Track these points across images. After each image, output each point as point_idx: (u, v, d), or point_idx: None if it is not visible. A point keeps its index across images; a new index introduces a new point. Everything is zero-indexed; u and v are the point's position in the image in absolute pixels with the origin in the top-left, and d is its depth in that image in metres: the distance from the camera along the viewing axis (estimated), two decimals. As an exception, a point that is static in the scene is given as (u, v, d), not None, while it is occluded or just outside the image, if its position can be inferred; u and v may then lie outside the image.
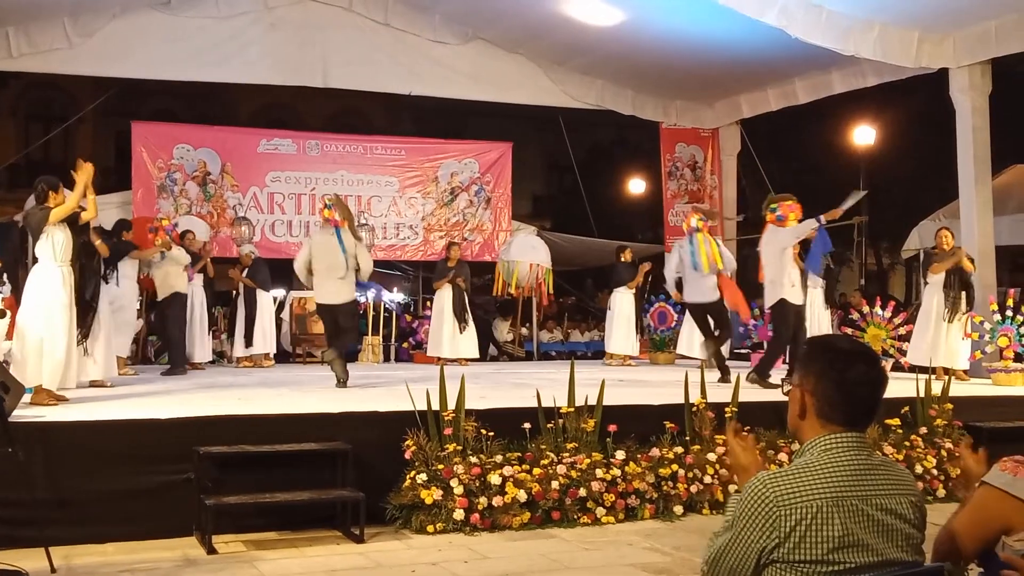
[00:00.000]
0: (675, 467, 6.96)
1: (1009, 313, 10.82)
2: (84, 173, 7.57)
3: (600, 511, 6.63)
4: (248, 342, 12.72)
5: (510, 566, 5.59)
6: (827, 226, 10.37)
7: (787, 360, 10.14)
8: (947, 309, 10.89)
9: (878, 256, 26.72)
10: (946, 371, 10.69)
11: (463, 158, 16.50)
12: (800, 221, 9.72)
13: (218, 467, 6.15)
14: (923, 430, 7.93)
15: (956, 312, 10.84)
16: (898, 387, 7.86)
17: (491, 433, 6.68)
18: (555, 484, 6.54)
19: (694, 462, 7.02)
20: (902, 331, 11.75)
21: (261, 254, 13.40)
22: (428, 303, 16.84)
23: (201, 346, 12.12)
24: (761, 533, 2.48)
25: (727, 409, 7.31)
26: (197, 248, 12.49)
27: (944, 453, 7.79)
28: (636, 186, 24.83)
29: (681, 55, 14.23)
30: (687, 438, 7.19)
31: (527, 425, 6.82)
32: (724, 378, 9.80)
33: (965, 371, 11.02)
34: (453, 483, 6.32)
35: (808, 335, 9.32)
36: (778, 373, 9.73)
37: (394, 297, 17.87)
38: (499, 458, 6.58)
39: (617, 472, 6.74)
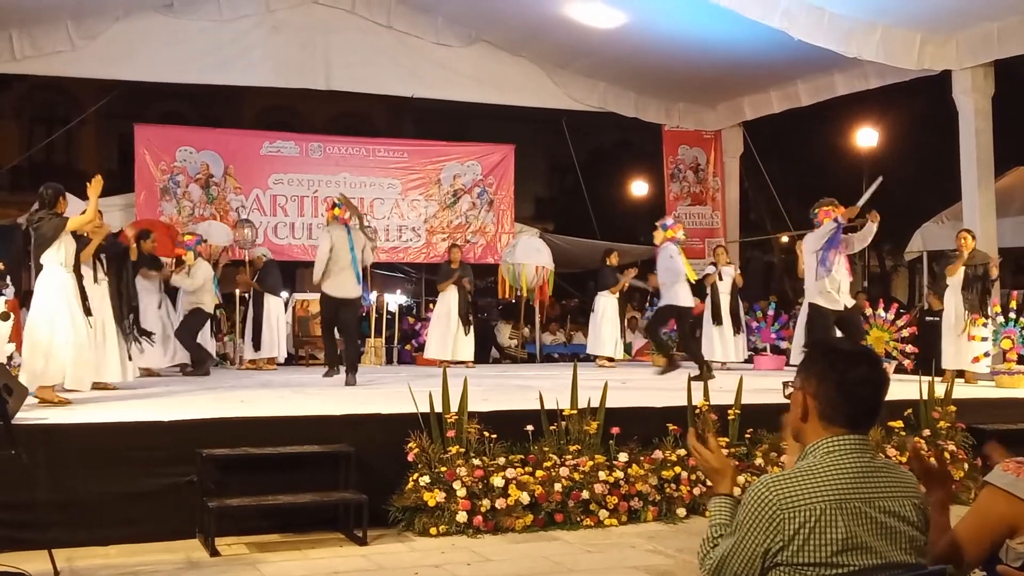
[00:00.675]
0: (678, 469, 6.96)
1: (1012, 315, 10.79)
2: (97, 185, 7.62)
3: (603, 513, 6.62)
4: (256, 345, 12.74)
5: (513, 568, 5.59)
6: (848, 224, 10.26)
7: None
8: (966, 311, 10.87)
9: (881, 258, 26.70)
10: (959, 374, 10.70)
11: (466, 160, 16.50)
12: None
13: (221, 469, 6.15)
14: (926, 432, 7.91)
15: (974, 314, 10.81)
16: (901, 389, 7.85)
17: (494, 435, 6.67)
18: (558, 486, 6.53)
19: (696, 466, 7.01)
20: (904, 333, 11.74)
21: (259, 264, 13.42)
22: (431, 305, 16.85)
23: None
24: (765, 536, 2.48)
25: (730, 411, 7.31)
26: (210, 255, 12.53)
27: (947, 455, 7.77)
28: (638, 188, 24.84)
29: (683, 57, 14.24)
30: (688, 446, 7.17)
31: (530, 427, 6.82)
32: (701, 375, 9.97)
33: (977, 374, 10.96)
34: (456, 485, 6.31)
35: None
36: (780, 376, 9.70)
37: (396, 299, 17.84)
38: (502, 460, 6.57)
39: (620, 474, 6.74)
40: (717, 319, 13.29)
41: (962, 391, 9.12)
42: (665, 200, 17.62)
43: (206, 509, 5.87)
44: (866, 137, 19.14)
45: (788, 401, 2.73)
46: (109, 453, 6.04)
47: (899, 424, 7.81)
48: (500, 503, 6.35)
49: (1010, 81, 13.49)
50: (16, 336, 8.06)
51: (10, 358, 8.12)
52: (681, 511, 6.87)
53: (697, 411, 7.24)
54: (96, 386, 8.49)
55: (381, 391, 9.11)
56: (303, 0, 14.60)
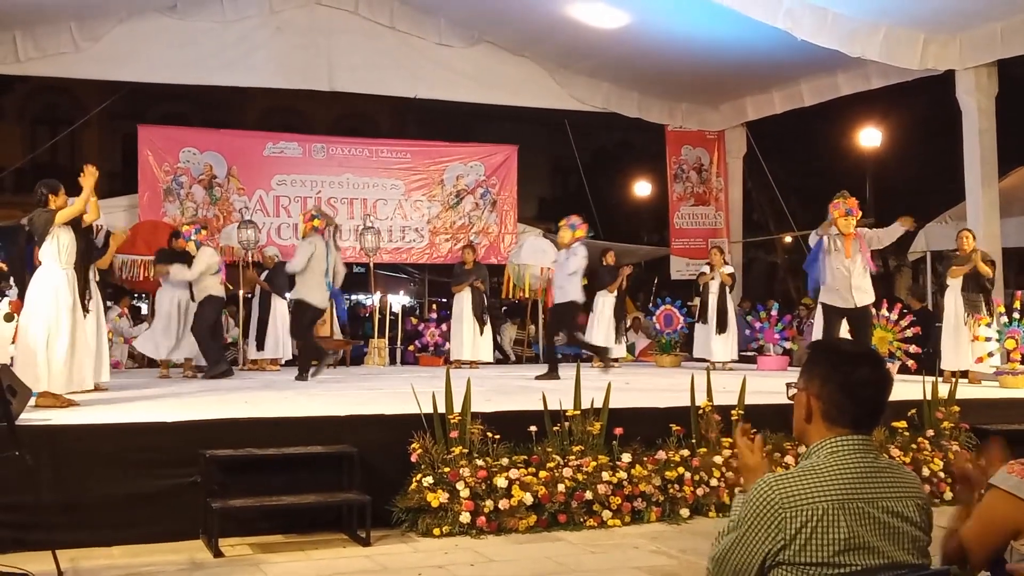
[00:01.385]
0: (681, 470, 6.95)
1: (1016, 315, 10.78)
2: (90, 177, 7.58)
3: (606, 514, 6.62)
4: (260, 345, 12.76)
5: (516, 569, 5.59)
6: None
7: None
8: (966, 312, 10.86)
9: (884, 258, 26.66)
10: (963, 374, 10.69)
11: (469, 161, 16.50)
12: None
13: (224, 470, 6.15)
14: (930, 433, 7.90)
15: (976, 314, 10.81)
16: (905, 390, 7.83)
17: (497, 436, 6.67)
18: (561, 487, 6.53)
19: (700, 465, 7.00)
20: (908, 333, 11.72)
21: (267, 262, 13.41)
22: (434, 306, 16.87)
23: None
24: (767, 535, 2.48)
25: (733, 412, 7.30)
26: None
27: (951, 456, 7.77)
28: (642, 189, 24.83)
29: (686, 57, 14.24)
30: (693, 441, 7.18)
31: (533, 428, 6.81)
32: (606, 365, 10.35)
33: (980, 374, 10.96)
34: (459, 486, 6.31)
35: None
36: (784, 377, 9.70)
37: (400, 300, 17.86)
38: (505, 461, 6.57)
39: (623, 475, 6.73)
40: (702, 317, 13.30)
41: (966, 391, 9.11)
42: (668, 200, 17.62)
43: (210, 510, 5.87)
44: (869, 137, 19.12)
45: (791, 402, 2.73)
46: (113, 454, 6.05)
47: (903, 424, 7.80)
48: (503, 504, 6.35)
49: (1013, 81, 13.48)
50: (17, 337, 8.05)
51: (13, 359, 8.12)
52: (684, 512, 6.87)
53: (700, 412, 7.24)
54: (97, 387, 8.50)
55: (384, 392, 9.12)
56: (306, 1, 14.62)
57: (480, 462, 6.48)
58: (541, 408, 6.91)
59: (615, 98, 16.31)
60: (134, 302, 16.23)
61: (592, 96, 16.14)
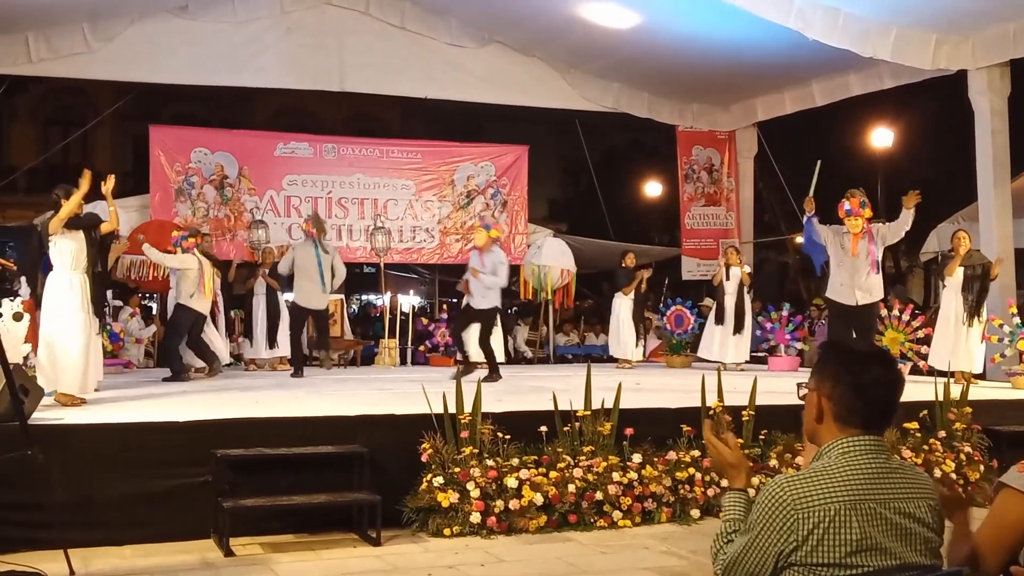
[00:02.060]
0: (692, 470, 6.94)
1: (1030, 317, 10.74)
2: (84, 182, 7.59)
3: (617, 514, 6.62)
4: (271, 343, 12.80)
5: (526, 569, 5.59)
6: (813, 216, 10.37)
7: None
8: (965, 312, 10.82)
9: (896, 258, 26.57)
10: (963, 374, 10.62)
11: (479, 161, 16.51)
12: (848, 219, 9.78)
13: (235, 470, 6.16)
14: (942, 434, 7.87)
15: (975, 315, 10.76)
16: (916, 391, 7.81)
17: (508, 436, 6.67)
18: (571, 487, 6.52)
19: (711, 466, 7.00)
20: (920, 334, 11.68)
21: (276, 257, 13.42)
22: (444, 306, 16.87)
23: (219, 349, 12.12)
24: (779, 536, 2.47)
25: (744, 412, 7.29)
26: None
27: (963, 457, 7.74)
28: (652, 189, 24.80)
29: (697, 58, 14.22)
30: (703, 441, 7.16)
31: (544, 428, 6.81)
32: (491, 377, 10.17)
33: (976, 375, 10.89)
34: (470, 486, 6.31)
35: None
36: (795, 377, 9.67)
37: (410, 300, 17.88)
38: (515, 461, 6.57)
39: (634, 475, 6.73)
40: (720, 319, 13.24)
41: (978, 392, 9.07)
42: (679, 201, 17.59)
43: (221, 509, 5.89)
44: (881, 137, 19.06)
45: (802, 402, 2.72)
46: (124, 453, 6.07)
47: (914, 425, 7.77)
48: (514, 504, 6.35)
49: (1026, 81, 13.42)
50: (32, 336, 8.08)
51: (26, 358, 8.15)
52: (695, 512, 6.86)
53: (711, 412, 7.22)
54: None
55: (395, 392, 9.12)
56: (317, 2, 14.64)
57: (490, 462, 6.48)
58: (551, 408, 6.91)
59: (626, 98, 16.29)
60: (144, 302, 16.24)
61: (603, 96, 16.12)
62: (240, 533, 5.98)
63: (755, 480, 6.51)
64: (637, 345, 13.82)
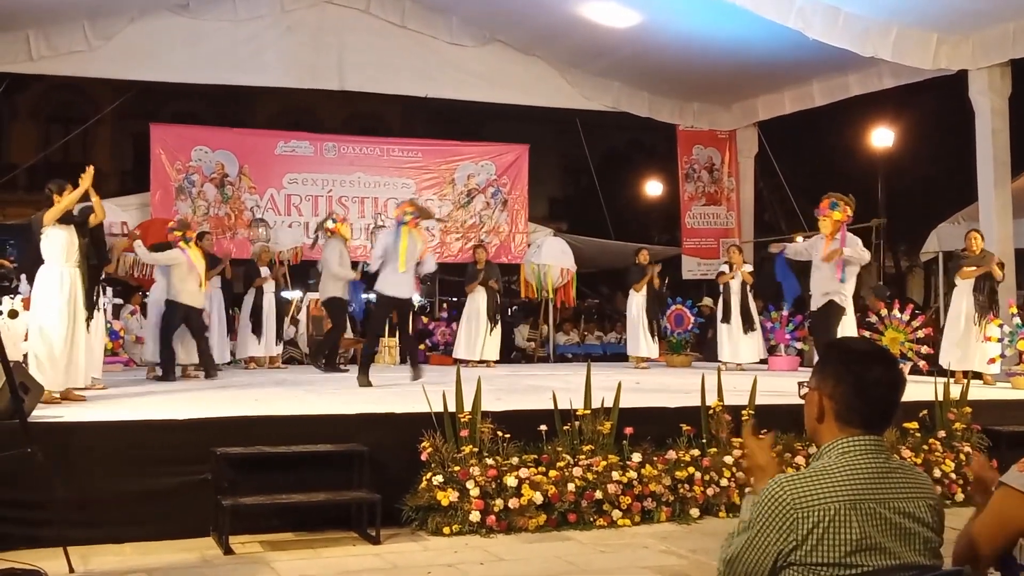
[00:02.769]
0: (691, 470, 6.94)
1: (1030, 316, 10.74)
2: (87, 177, 7.60)
3: (616, 514, 6.62)
4: (279, 337, 12.87)
5: (526, 568, 5.59)
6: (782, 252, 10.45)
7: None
8: (976, 313, 10.82)
9: (896, 259, 26.59)
10: (976, 375, 10.63)
11: (480, 160, 16.51)
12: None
13: (235, 468, 6.17)
14: (941, 434, 7.88)
15: (986, 316, 10.77)
16: (916, 390, 7.80)
17: (507, 435, 6.67)
18: (571, 486, 6.52)
19: (711, 465, 7.00)
20: (920, 334, 11.68)
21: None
22: (444, 304, 16.87)
23: (218, 347, 12.13)
24: (778, 536, 2.47)
25: (744, 412, 7.28)
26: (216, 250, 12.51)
27: (963, 457, 7.74)
28: (653, 188, 24.80)
29: (698, 57, 14.22)
30: (703, 441, 7.17)
31: (543, 427, 6.81)
32: (416, 375, 9.65)
33: (993, 375, 10.91)
34: (469, 485, 6.32)
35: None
36: (795, 377, 9.68)
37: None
38: (515, 460, 6.57)
39: (633, 475, 6.73)
40: (726, 318, 13.25)
41: (978, 392, 9.07)
42: (679, 200, 17.59)
43: (220, 507, 5.89)
44: (881, 137, 19.05)
45: (803, 401, 2.71)
46: (124, 451, 6.07)
47: (914, 425, 7.78)
48: (513, 503, 6.35)
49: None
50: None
51: (26, 356, 8.15)
52: (694, 512, 6.86)
53: (711, 412, 7.23)
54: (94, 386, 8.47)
55: (395, 390, 9.12)
56: (317, 0, 14.64)
57: (490, 461, 6.49)
58: (551, 407, 6.91)
59: (626, 98, 16.29)
60: (145, 300, 16.23)
61: (603, 96, 16.13)
62: (240, 531, 5.98)
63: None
64: (651, 342, 13.75)
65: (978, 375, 10.81)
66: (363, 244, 15.36)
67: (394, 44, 14.91)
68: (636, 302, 13.77)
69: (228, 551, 5.72)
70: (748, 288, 13.25)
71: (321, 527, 6.26)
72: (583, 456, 6.73)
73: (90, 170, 7.68)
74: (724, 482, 6.98)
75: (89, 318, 7.82)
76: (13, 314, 8.21)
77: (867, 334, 11.64)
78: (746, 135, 17.27)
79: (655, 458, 6.92)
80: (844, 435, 2.57)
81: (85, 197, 7.81)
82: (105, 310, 10.30)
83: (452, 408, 6.66)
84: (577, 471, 6.61)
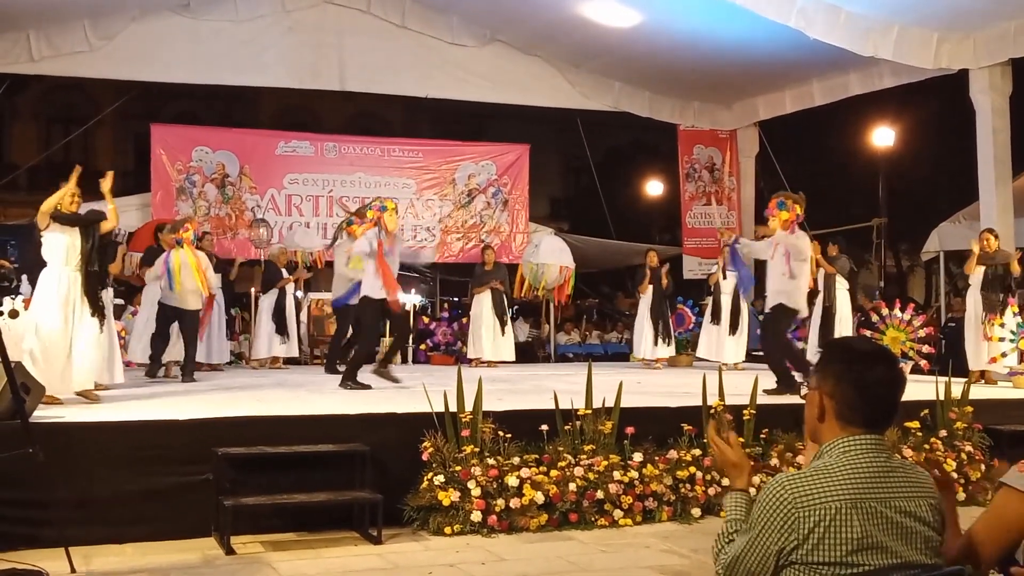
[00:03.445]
0: (693, 469, 6.94)
1: (1030, 316, 10.74)
2: (72, 177, 7.58)
3: (617, 513, 6.62)
4: (283, 335, 12.89)
5: (527, 568, 5.59)
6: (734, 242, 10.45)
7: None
8: (985, 311, 10.83)
9: (897, 258, 26.59)
10: (981, 374, 10.66)
11: (480, 160, 16.51)
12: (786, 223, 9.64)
13: (236, 468, 6.17)
14: (943, 433, 7.88)
15: (991, 314, 10.78)
16: (918, 390, 7.80)
17: (508, 435, 6.67)
18: (572, 486, 6.53)
19: (712, 465, 7.00)
20: (921, 333, 11.67)
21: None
22: (445, 304, 16.87)
23: (219, 347, 12.15)
24: (780, 534, 2.47)
25: (745, 411, 7.29)
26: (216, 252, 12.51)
27: (964, 456, 7.74)
28: (654, 188, 24.78)
29: (698, 57, 14.22)
30: (705, 440, 7.16)
31: (544, 427, 6.81)
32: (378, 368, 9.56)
33: (989, 374, 10.93)
34: (470, 485, 6.32)
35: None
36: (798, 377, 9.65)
37: (411, 299, 17.89)
38: (516, 460, 6.57)
39: (635, 474, 6.73)
40: (716, 318, 13.25)
41: (979, 392, 9.07)
42: (680, 200, 17.59)
43: (222, 508, 5.89)
44: (882, 136, 19.03)
45: (804, 400, 2.71)
46: (125, 451, 6.07)
47: (915, 425, 7.77)
48: (514, 503, 6.35)
49: (1028, 80, 13.41)
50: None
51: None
52: (696, 511, 6.86)
53: (713, 412, 7.22)
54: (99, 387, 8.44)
55: (396, 390, 9.12)
56: (318, 0, 14.64)
57: (491, 461, 6.48)
58: (553, 407, 6.91)
59: (627, 97, 16.29)
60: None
61: (604, 95, 16.13)
62: (241, 531, 5.98)
63: (756, 479, 6.51)
64: (660, 343, 13.70)
65: (982, 374, 10.82)
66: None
67: (395, 44, 14.91)
68: (642, 303, 13.80)
69: (230, 551, 5.73)
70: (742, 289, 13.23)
71: (323, 527, 6.26)
72: (584, 456, 6.73)
73: (77, 169, 7.63)
74: (725, 482, 6.97)
75: (102, 321, 7.77)
76: (14, 314, 8.20)
77: (868, 333, 11.66)
78: (747, 135, 17.26)
79: (656, 458, 6.92)
80: (845, 434, 2.57)
81: (94, 198, 7.80)
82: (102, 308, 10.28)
83: (453, 408, 6.66)
84: (578, 471, 6.61)
